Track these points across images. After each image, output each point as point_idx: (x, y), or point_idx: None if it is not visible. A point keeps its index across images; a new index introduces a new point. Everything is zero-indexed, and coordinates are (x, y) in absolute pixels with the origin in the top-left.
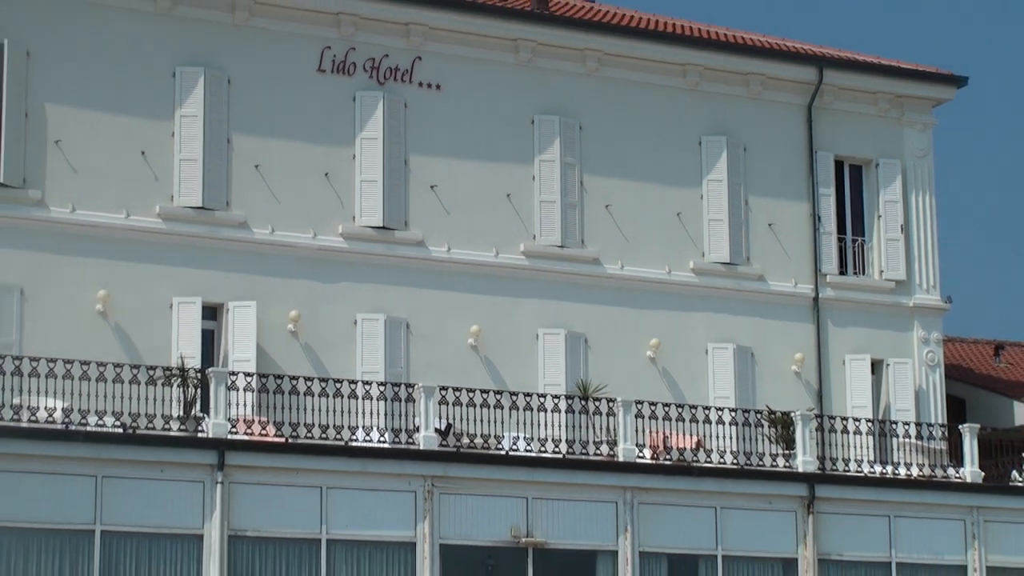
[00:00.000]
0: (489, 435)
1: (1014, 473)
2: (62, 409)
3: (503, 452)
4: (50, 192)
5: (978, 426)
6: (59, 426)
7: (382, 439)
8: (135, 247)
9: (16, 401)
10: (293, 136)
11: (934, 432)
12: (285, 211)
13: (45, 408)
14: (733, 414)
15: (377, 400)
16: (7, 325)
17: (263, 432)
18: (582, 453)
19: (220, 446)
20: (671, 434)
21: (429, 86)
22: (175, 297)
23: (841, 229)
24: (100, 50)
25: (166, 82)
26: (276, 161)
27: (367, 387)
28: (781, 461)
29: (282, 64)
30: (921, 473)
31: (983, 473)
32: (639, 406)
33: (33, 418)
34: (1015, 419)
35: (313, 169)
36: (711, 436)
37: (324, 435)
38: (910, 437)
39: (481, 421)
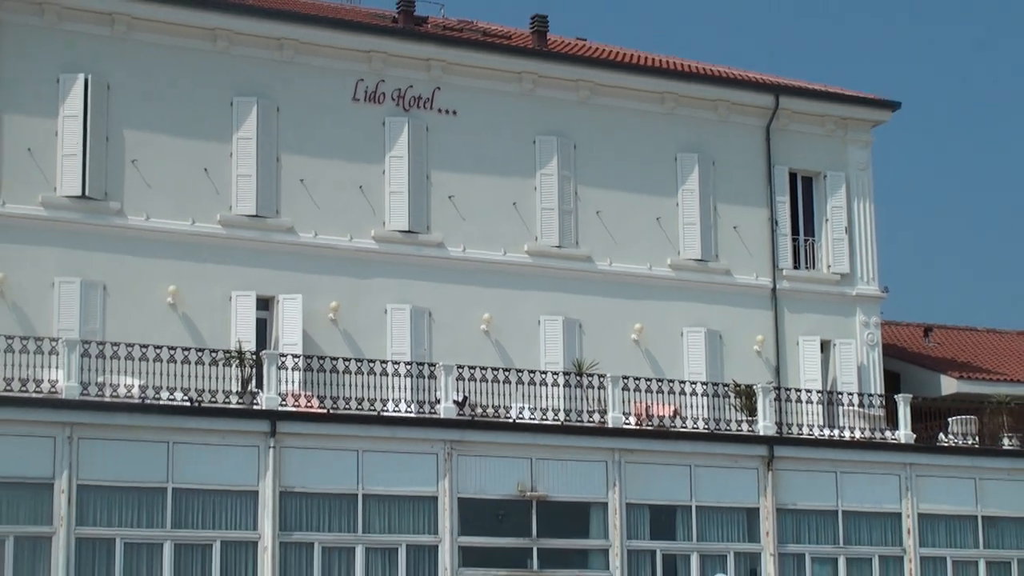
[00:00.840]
0: (499, 406)
1: (940, 435)
2: (139, 386)
3: (511, 420)
4: (127, 203)
5: (910, 396)
6: (136, 400)
7: (408, 410)
8: (199, 249)
9: (100, 379)
10: (332, 155)
11: (873, 401)
12: (326, 218)
13: (124, 385)
14: (704, 387)
15: (404, 377)
16: (93, 316)
17: (308, 404)
18: (577, 420)
19: (272, 416)
20: (652, 404)
21: (447, 112)
22: (233, 291)
23: (795, 231)
24: (169, 83)
25: (225, 110)
26: (318, 176)
27: (396, 366)
28: (745, 426)
29: (323, 94)
30: (863, 435)
31: (915, 435)
32: (625, 380)
33: (115, 393)
34: (941, 390)
35: (349, 183)
36: (686, 405)
37: (360, 407)
38: (853, 405)
39: (491, 394)
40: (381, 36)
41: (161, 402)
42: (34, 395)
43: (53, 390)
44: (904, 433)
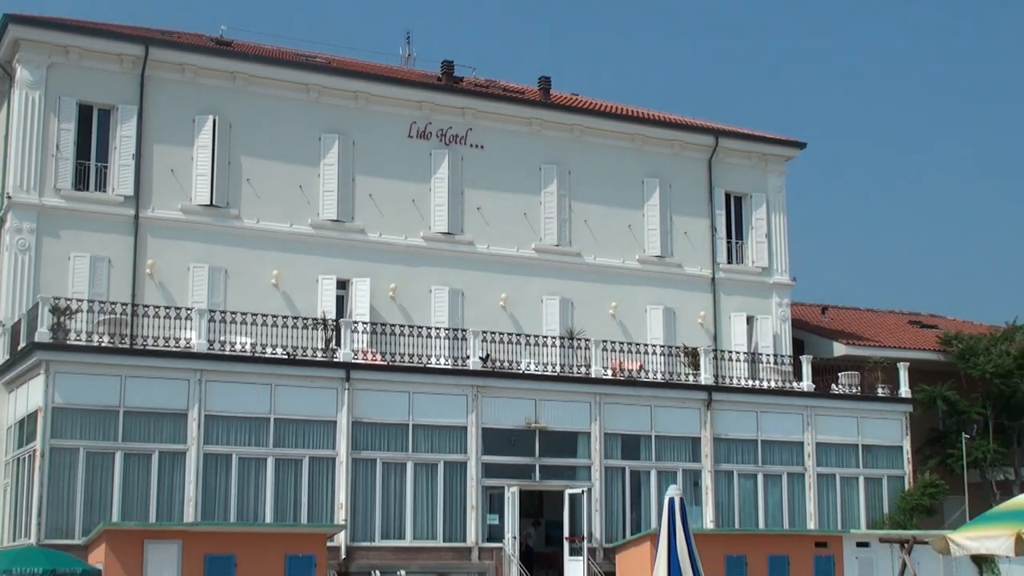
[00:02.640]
0: (512, 360)
1: (832, 386)
2: (250, 343)
3: (520, 371)
4: (244, 210)
5: (811, 357)
6: (248, 354)
7: (446, 363)
8: (295, 244)
9: (222, 338)
10: (392, 176)
11: (784, 360)
12: (387, 223)
13: (240, 343)
14: (662, 349)
15: (443, 339)
16: (217, 292)
17: (373, 358)
18: (569, 372)
19: (347, 367)
20: (623, 361)
21: (476, 146)
22: (319, 275)
23: (728, 235)
24: (273, 123)
25: (315, 143)
26: (382, 192)
27: (437, 331)
28: (691, 378)
29: (386, 132)
30: (776, 385)
31: (814, 386)
32: (604, 343)
33: (232, 348)
34: (834, 353)
35: (404, 197)
36: (648, 362)
37: (411, 360)
38: (770, 363)
39: (507, 352)
40: (430, 91)
41: (266, 355)
42: (174, 349)
43: (188, 346)
44: (806, 384)
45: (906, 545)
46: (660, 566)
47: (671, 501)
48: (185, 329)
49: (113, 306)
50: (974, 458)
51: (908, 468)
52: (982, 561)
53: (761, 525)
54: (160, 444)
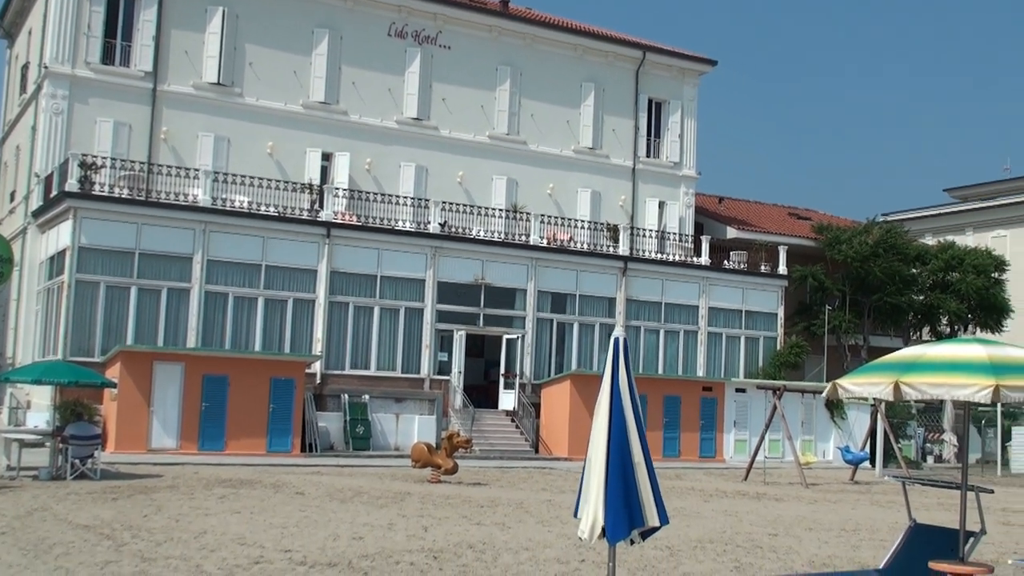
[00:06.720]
0: (465, 227)
1: (725, 262)
2: (247, 202)
3: (472, 237)
4: (246, 89)
5: (709, 237)
6: (245, 210)
7: (411, 226)
8: (288, 121)
9: (224, 196)
10: (373, 67)
11: (687, 239)
12: (367, 107)
13: (238, 201)
14: (588, 224)
15: (409, 207)
16: (222, 158)
17: (350, 219)
18: (512, 239)
19: (328, 225)
20: (557, 232)
21: (444, 47)
22: (308, 148)
23: (649, 134)
24: (272, 17)
25: (308, 36)
26: (363, 80)
27: (404, 199)
28: (611, 249)
29: (369, 30)
30: (680, 259)
31: (710, 261)
32: (541, 217)
33: (232, 205)
34: (727, 235)
35: (383, 86)
36: (577, 235)
37: (381, 223)
38: (676, 241)
39: (461, 221)
40: None
41: (260, 212)
42: (183, 203)
43: (195, 201)
44: (704, 259)
45: (777, 391)
46: (603, 398)
47: (616, 340)
48: (193, 187)
49: (132, 164)
50: (832, 326)
51: (780, 331)
52: (834, 407)
53: (660, 371)
54: (168, 282)
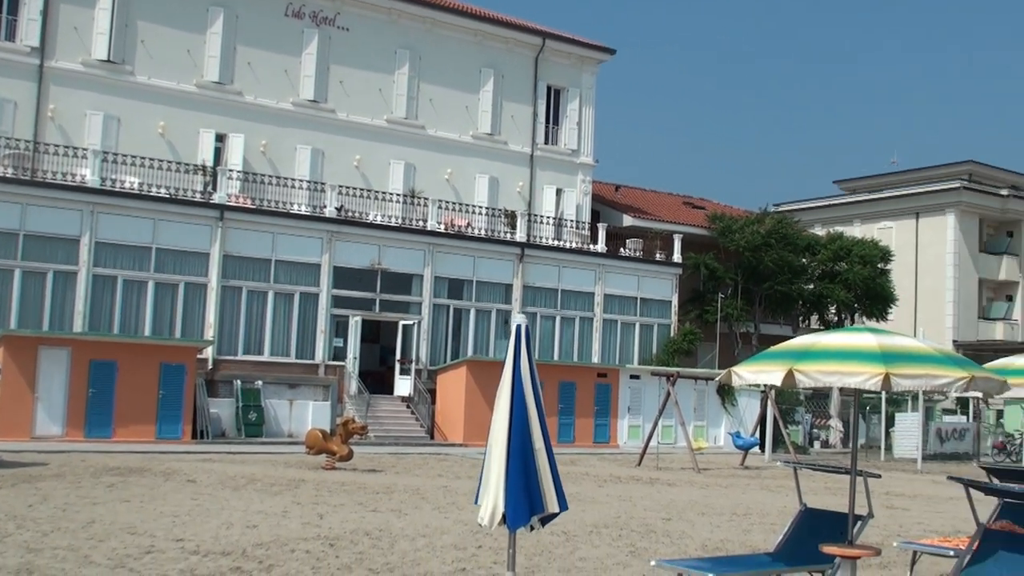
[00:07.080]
0: (362, 212)
1: (621, 250)
2: (138, 183)
3: (369, 221)
4: (137, 67)
5: (605, 225)
6: (135, 191)
7: (307, 210)
8: (181, 100)
9: (113, 176)
10: (269, 48)
11: (583, 226)
12: (262, 88)
13: (128, 181)
14: (486, 210)
15: (305, 190)
16: (111, 137)
17: (244, 202)
18: (409, 224)
19: (221, 208)
20: (455, 218)
21: (343, 28)
22: (200, 128)
23: (547, 121)
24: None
25: (203, 14)
26: (260, 61)
27: (300, 183)
28: (508, 235)
29: (266, 9)
30: (576, 245)
31: (606, 248)
32: (439, 202)
33: (122, 186)
34: (623, 223)
35: (278, 67)
36: (475, 220)
37: (276, 206)
38: (572, 228)
39: (359, 205)
40: None
41: (151, 194)
42: (71, 183)
43: (83, 181)
44: (600, 246)
45: (671, 378)
46: (504, 385)
47: (519, 327)
48: (81, 167)
49: (17, 142)
50: (725, 314)
51: (674, 319)
52: (725, 394)
53: (556, 358)
54: (55, 264)
